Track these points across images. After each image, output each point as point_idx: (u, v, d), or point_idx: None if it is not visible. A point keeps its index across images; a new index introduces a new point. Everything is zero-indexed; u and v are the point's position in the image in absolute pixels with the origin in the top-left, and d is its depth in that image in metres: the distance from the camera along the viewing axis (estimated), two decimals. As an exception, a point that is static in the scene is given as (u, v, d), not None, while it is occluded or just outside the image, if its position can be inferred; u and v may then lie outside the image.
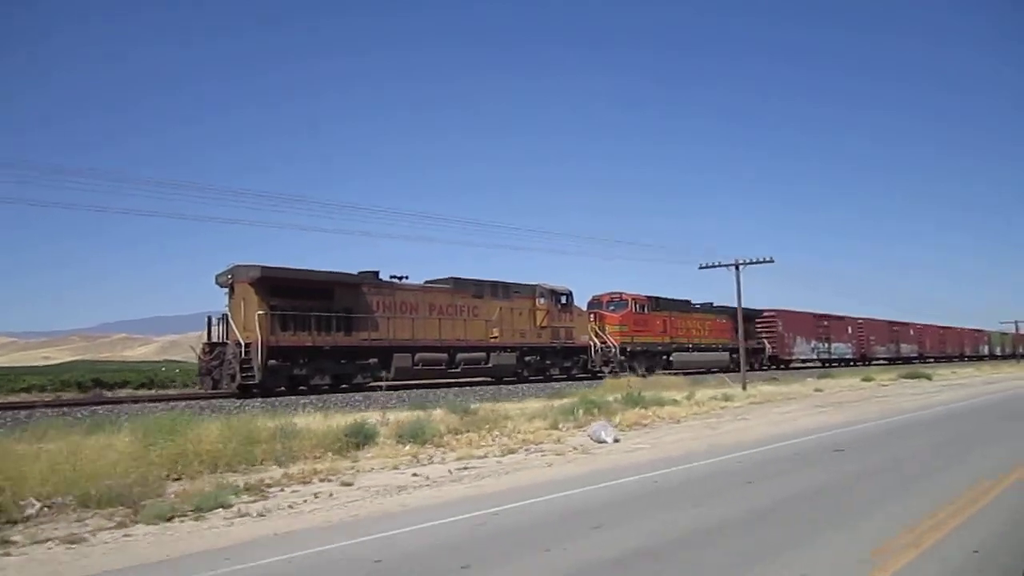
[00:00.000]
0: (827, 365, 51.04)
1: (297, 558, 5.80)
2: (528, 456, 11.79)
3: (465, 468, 10.54)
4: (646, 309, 35.63)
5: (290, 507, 7.99)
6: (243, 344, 19.97)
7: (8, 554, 6.20)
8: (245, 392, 20.44)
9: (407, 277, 25.70)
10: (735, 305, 30.33)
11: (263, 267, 21.17)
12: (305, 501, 8.30)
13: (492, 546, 6.06)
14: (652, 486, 8.90)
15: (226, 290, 21.85)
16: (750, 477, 9.25)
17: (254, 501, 8.35)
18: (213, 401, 19.27)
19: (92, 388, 34.73)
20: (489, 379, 27.45)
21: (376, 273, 24.73)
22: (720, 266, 27.53)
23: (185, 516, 7.64)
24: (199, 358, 21.73)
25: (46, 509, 7.78)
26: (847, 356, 55.45)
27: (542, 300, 29.46)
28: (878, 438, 13.82)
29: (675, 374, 31.85)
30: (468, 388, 24.84)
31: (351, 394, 21.46)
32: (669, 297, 38.10)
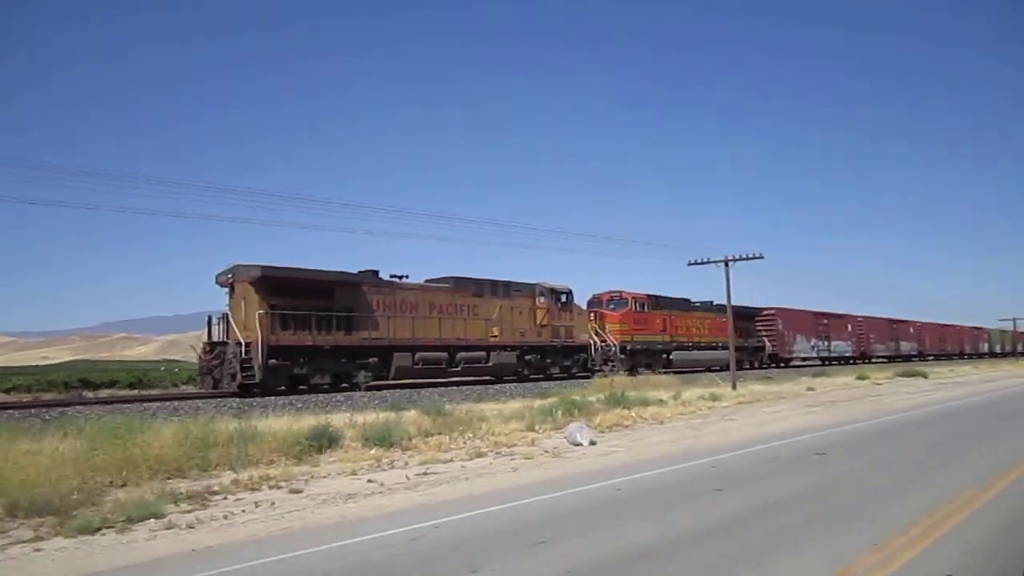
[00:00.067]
0: (827, 363, 50.75)
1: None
2: (495, 460, 11.29)
3: (425, 474, 10.04)
4: (646, 308, 35.35)
5: (224, 518, 7.50)
6: (243, 343, 19.95)
7: None
8: (246, 391, 20.42)
9: (407, 276, 25.66)
10: (732, 303, 29.84)
11: (263, 266, 21.17)
12: (244, 511, 7.81)
13: (416, 567, 5.54)
14: (615, 494, 8.39)
15: (226, 290, 21.86)
16: (721, 484, 8.75)
17: (191, 511, 7.86)
18: (189, 402, 18.98)
19: (77, 388, 34.29)
20: (489, 378, 27.27)
21: (376, 272, 24.70)
22: (709, 262, 27.01)
23: (112, 527, 7.17)
24: (199, 357, 21.72)
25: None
26: (847, 354, 55.22)
27: (542, 299, 29.28)
28: (865, 440, 13.30)
29: (669, 373, 31.38)
30: (455, 388, 24.44)
31: (332, 394, 21.05)
32: (669, 296, 37.83)
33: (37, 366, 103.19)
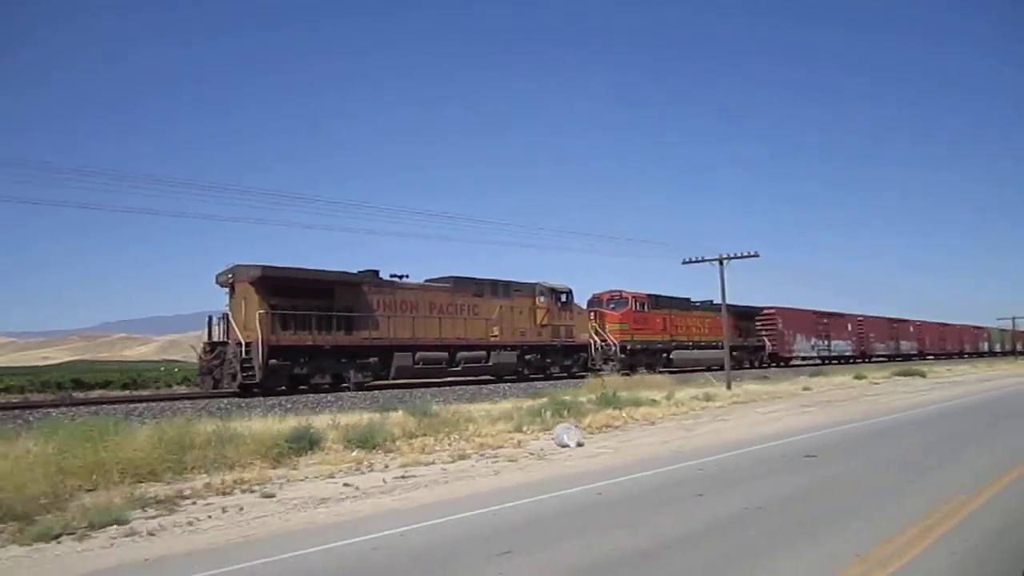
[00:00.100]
0: (827, 362, 50.52)
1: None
2: (478, 463, 11.02)
3: (404, 477, 9.78)
4: (646, 307, 35.19)
5: (189, 524, 7.24)
6: (244, 343, 19.84)
7: None
8: (246, 391, 20.30)
9: (407, 276, 25.52)
10: (730, 302, 29.56)
11: (263, 266, 21.07)
12: (210, 517, 7.55)
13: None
14: (594, 499, 8.12)
15: (226, 289, 21.76)
16: (704, 488, 8.47)
17: (156, 516, 7.61)
18: (177, 403, 18.71)
19: (69, 389, 34.04)
20: (488, 378, 27.12)
21: (376, 272, 24.59)
22: (703, 261, 26.74)
23: (72, 534, 6.92)
24: (200, 357, 21.63)
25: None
26: (847, 353, 55.02)
27: (542, 298, 29.15)
28: (857, 441, 13.02)
29: (667, 373, 31.12)
30: (448, 388, 24.22)
31: (322, 395, 20.83)
32: (669, 295, 37.64)
33: (36, 367, 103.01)
